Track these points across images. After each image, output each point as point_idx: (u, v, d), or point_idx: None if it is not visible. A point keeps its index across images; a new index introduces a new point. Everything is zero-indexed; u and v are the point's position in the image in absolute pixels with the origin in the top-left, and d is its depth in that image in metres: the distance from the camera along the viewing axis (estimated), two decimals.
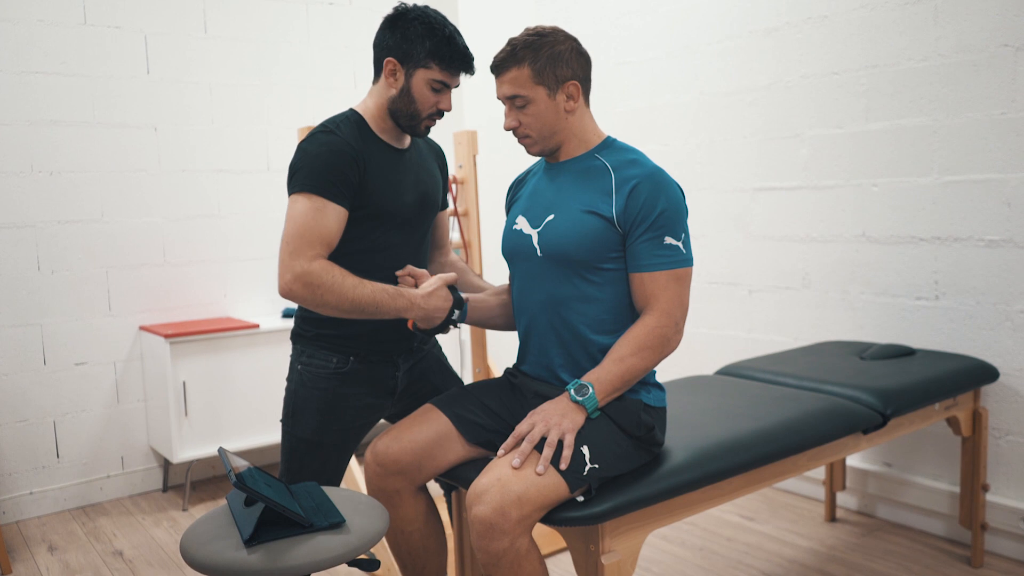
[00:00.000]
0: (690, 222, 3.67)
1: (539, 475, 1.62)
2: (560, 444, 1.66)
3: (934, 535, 2.93)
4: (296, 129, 3.85)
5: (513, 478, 1.61)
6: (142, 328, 3.66)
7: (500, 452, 1.69)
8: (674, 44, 3.65)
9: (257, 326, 3.59)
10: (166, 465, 3.76)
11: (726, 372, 2.72)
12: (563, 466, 1.63)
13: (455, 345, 4.32)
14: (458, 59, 1.91)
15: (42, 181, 3.46)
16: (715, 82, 3.50)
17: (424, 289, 1.86)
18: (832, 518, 3.10)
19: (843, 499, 3.19)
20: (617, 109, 3.90)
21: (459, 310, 1.91)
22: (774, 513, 3.19)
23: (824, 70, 3.11)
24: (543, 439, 1.67)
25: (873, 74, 2.97)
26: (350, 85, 4.22)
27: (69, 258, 3.53)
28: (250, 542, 1.49)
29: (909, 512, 3.00)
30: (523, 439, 1.68)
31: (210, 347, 3.50)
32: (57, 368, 3.53)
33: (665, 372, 3.06)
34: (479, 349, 3.10)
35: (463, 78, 1.99)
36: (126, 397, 3.70)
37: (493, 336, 3.25)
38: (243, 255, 3.94)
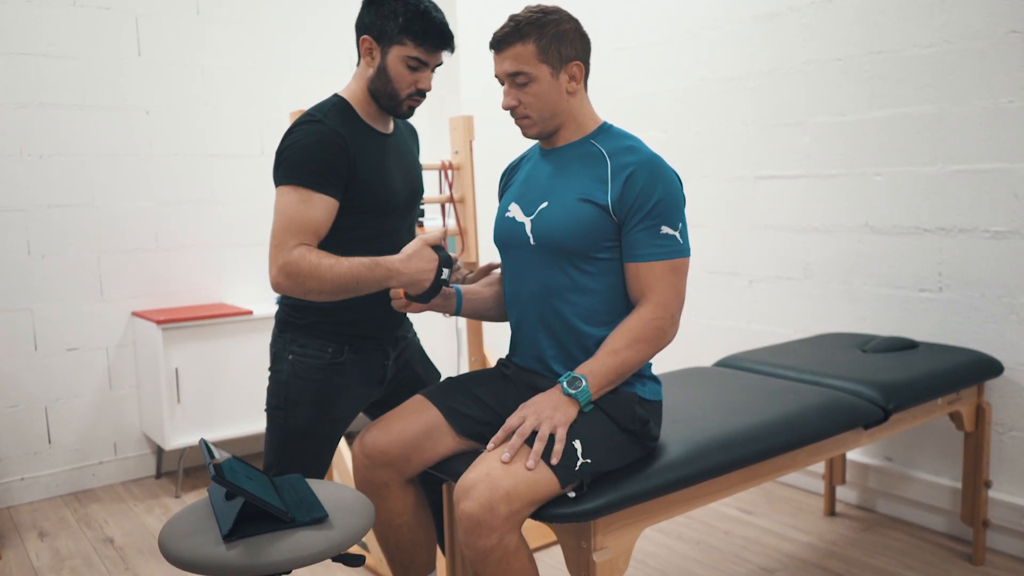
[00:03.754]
0: (689, 210, 3.61)
1: (529, 470, 1.57)
2: (552, 438, 1.61)
3: (935, 531, 2.88)
4: (289, 113, 3.79)
5: (502, 473, 1.56)
6: (135, 314, 3.62)
7: (490, 446, 1.64)
8: (674, 29, 3.59)
9: (251, 312, 3.55)
10: (159, 452, 3.72)
11: (725, 364, 2.67)
12: (554, 461, 1.59)
13: (452, 334, 4.27)
14: (433, 34, 1.85)
15: (32, 164, 3.40)
16: (716, 68, 3.44)
17: (403, 253, 1.77)
18: (831, 512, 3.06)
19: (843, 493, 3.15)
20: (616, 95, 3.84)
21: (448, 268, 1.79)
22: (772, 507, 3.15)
23: (827, 56, 3.04)
24: (534, 433, 1.63)
25: (877, 60, 2.90)
26: (346, 68, 4.15)
27: (60, 243, 3.48)
28: (229, 537, 1.45)
29: (910, 507, 2.96)
30: (513, 432, 1.64)
31: (203, 334, 3.45)
32: (48, 353, 3.49)
33: (663, 364, 3.01)
34: (475, 338, 3.06)
35: (447, 57, 1.94)
36: (119, 383, 3.66)
37: (489, 325, 3.21)
38: (237, 240, 3.89)
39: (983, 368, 2.57)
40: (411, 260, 1.76)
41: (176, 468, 3.67)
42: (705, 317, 3.58)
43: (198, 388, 3.46)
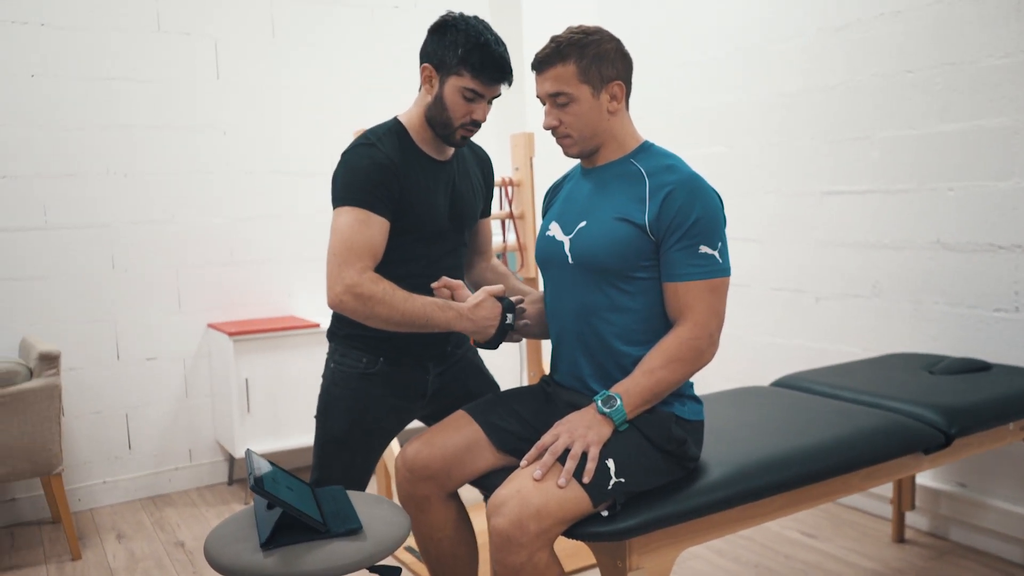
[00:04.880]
0: (754, 227, 3.56)
1: (560, 488, 1.58)
2: (584, 457, 1.61)
3: (1011, 562, 2.75)
4: (353, 132, 3.89)
5: (533, 490, 1.57)
6: (210, 325, 3.76)
7: (523, 463, 1.66)
8: (739, 42, 3.54)
9: (318, 325, 3.65)
10: (231, 459, 3.85)
11: (781, 384, 2.61)
12: (586, 479, 1.59)
13: (514, 349, 4.29)
14: (490, 67, 1.87)
15: (117, 182, 3.59)
16: (782, 82, 3.38)
17: (471, 301, 1.84)
18: (900, 539, 2.94)
19: (913, 519, 3.03)
20: (680, 109, 3.81)
21: (511, 313, 1.87)
22: (837, 531, 3.05)
23: (897, 68, 2.96)
24: (568, 451, 1.63)
25: (949, 72, 2.81)
26: (413, 89, 4.24)
27: (141, 257, 3.65)
28: (266, 546, 1.50)
29: (985, 536, 2.83)
30: (546, 450, 1.64)
31: (272, 345, 3.57)
32: (129, 363, 3.66)
33: (721, 382, 2.96)
34: (534, 354, 3.07)
35: (505, 90, 1.96)
36: (194, 392, 3.81)
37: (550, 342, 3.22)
38: (307, 255, 4.00)
39: None
40: (478, 309, 1.83)
41: (246, 476, 3.79)
42: (770, 335, 3.51)
43: (267, 398, 3.57)
